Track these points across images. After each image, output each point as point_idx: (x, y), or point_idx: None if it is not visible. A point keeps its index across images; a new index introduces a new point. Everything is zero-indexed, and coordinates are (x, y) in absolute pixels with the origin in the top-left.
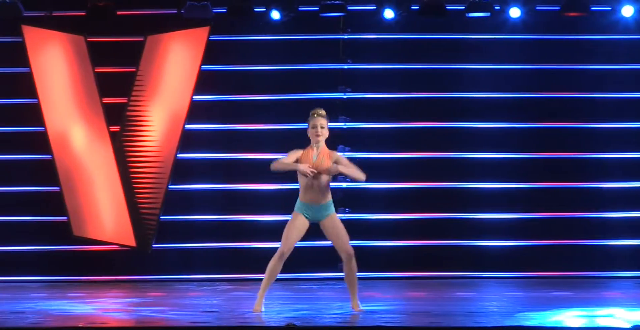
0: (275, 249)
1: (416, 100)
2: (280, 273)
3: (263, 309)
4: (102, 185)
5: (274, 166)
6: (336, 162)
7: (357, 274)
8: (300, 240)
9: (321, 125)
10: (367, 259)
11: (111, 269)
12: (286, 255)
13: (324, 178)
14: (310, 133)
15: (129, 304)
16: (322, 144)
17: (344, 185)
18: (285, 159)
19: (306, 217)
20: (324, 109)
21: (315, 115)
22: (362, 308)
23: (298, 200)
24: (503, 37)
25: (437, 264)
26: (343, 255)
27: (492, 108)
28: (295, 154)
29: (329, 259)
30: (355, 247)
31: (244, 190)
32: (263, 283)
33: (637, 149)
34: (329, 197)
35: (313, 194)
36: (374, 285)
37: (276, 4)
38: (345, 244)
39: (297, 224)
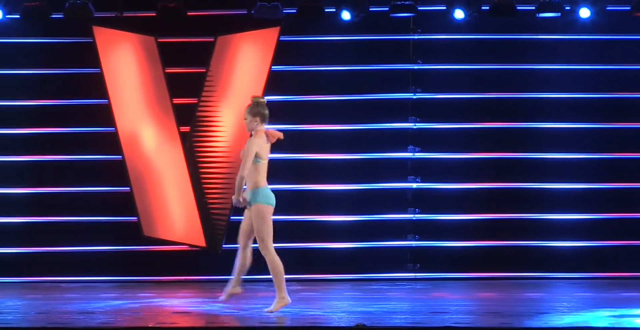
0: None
1: (486, 101)
2: (350, 273)
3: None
4: (172, 186)
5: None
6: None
7: (428, 274)
8: (370, 241)
9: (244, 117)
10: (436, 260)
11: (181, 269)
12: None
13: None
14: (253, 122)
15: (199, 304)
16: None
17: (414, 185)
18: (249, 166)
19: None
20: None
21: (261, 103)
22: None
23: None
24: (573, 38)
25: (507, 264)
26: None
27: (563, 108)
28: (258, 148)
29: (398, 259)
30: (425, 248)
31: (313, 190)
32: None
33: None
34: (251, 186)
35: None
36: (444, 285)
37: (347, 4)
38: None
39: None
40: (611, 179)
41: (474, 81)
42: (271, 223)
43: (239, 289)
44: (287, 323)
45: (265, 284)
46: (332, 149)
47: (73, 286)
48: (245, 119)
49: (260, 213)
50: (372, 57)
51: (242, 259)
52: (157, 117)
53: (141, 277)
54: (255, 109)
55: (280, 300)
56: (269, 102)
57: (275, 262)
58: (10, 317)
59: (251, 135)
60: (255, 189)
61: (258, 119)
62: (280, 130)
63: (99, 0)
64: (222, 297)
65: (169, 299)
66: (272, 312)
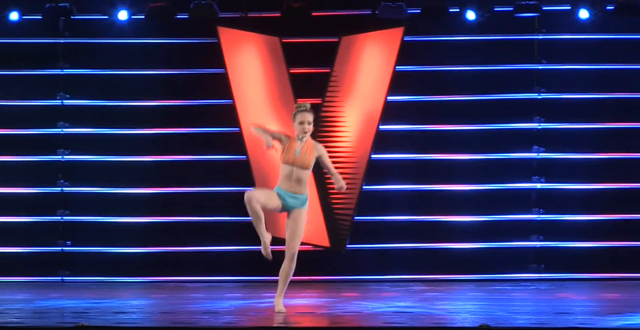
0: (472, 249)
1: (611, 101)
2: (474, 274)
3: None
4: None
5: (255, 127)
6: (320, 155)
7: (552, 274)
8: (495, 241)
9: (308, 121)
10: (561, 260)
11: (305, 269)
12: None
13: (305, 172)
14: (297, 128)
15: (323, 304)
16: (307, 139)
17: (538, 185)
18: (273, 131)
19: (282, 201)
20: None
21: (303, 109)
22: (283, 310)
23: (277, 187)
24: None
25: (632, 264)
26: (287, 253)
27: None
28: (281, 136)
29: (523, 259)
30: (549, 248)
31: (437, 190)
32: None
33: None
34: (305, 191)
35: (291, 183)
36: (569, 286)
37: (471, 4)
38: (296, 244)
39: (275, 195)
40: None
41: (598, 81)
42: (272, 196)
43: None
44: (410, 323)
45: (389, 284)
46: (455, 149)
47: (198, 286)
48: (310, 123)
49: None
50: (496, 57)
51: (283, 266)
52: (282, 117)
53: (265, 277)
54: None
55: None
56: (391, 102)
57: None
58: (135, 316)
59: (300, 141)
60: (306, 193)
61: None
62: (404, 131)
63: (223, 0)
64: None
65: (293, 299)
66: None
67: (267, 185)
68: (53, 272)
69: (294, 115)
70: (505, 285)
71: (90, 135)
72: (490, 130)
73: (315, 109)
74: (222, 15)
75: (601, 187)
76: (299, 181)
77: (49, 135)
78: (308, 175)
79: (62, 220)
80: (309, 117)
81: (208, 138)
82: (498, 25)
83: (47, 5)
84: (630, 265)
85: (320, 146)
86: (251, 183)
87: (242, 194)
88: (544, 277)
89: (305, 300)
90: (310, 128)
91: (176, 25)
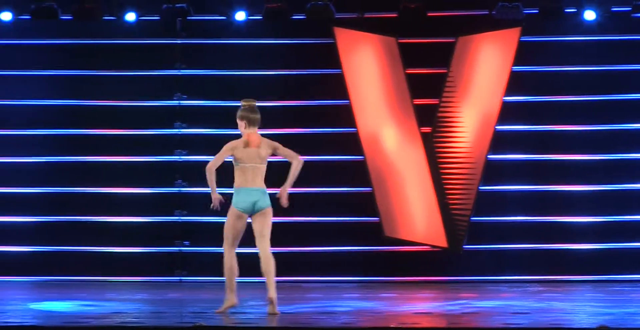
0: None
1: None
2: (592, 274)
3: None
4: (414, 186)
5: (208, 170)
6: (274, 148)
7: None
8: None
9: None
10: None
11: (422, 269)
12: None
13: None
14: (240, 126)
15: (441, 305)
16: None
17: None
18: (216, 161)
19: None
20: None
21: (246, 106)
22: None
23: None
24: None
25: None
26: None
27: None
28: (229, 149)
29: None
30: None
31: (554, 191)
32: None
33: None
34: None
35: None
36: None
37: (589, 4)
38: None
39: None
40: None
41: None
42: (236, 224)
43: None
44: (528, 324)
45: (506, 284)
46: (572, 150)
47: (315, 286)
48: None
49: (229, 212)
50: (614, 57)
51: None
52: (398, 118)
53: (383, 278)
54: (240, 113)
55: (227, 301)
56: (508, 102)
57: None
58: (252, 317)
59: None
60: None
61: (243, 122)
62: (520, 131)
63: (339, 1)
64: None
65: (410, 299)
66: (220, 312)
67: (382, 184)
68: (171, 272)
69: (238, 113)
70: (623, 286)
71: (207, 136)
72: (607, 131)
73: (432, 109)
74: (338, 15)
75: None
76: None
77: (166, 136)
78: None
79: (179, 220)
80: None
81: (324, 138)
82: (616, 25)
83: (164, 6)
84: None
85: (229, 144)
86: (368, 183)
87: (361, 194)
88: None
89: (423, 301)
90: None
91: (293, 25)
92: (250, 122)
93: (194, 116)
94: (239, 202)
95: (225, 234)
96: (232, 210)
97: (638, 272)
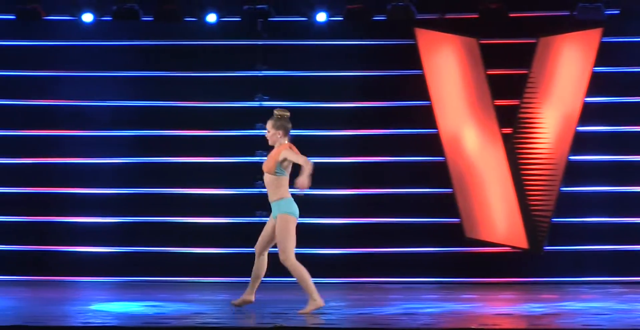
0: None
1: None
2: None
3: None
4: (494, 187)
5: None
6: (286, 158)
7: None
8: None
9: (267, 130)
10: None
11: (503, 270)
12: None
13: (267, 177)
14: (274, 134)
15: (521, 306)
16: (277, 145)
17: None
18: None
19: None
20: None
21: (285, 116)
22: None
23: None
24: None
25: None
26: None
27: None
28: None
29: None
30: None
31: (636, 192)
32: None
33: None
34: (276, 197)
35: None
36: None
37: None
38: (280, 253)
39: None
40: None
41: None
42: (294, 233)
43: (252, 297)
44: (609, 325)
45: (587, 286)
46: None
47: (395, 287)
48: (268, 131)
49: (285, 223)
50: None
51: (257, 268)
52: (479, 119)
53: (463, 279)
54: (278, 123)
55: (312, 302)
56: (589, 103)
57: (297, 270)
58: (333, 317)
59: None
60: (280, 200)
61: (281, 132)
62: (602, 132)
63: (420, 2)
64: (235, 302)
65: (491, 300)
66: (304, 313)
67: (463, 185)
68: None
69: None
70: None
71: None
72: None
73: (513, 110)
74: (419, 16)
75: None
76: (267, 187)
77: (248, 137)
78: (273, 181)
79: (261, 221)
80: (267, 124)
81: (406, 139)
82: None
83: (245, 7)
84: None
85: (284, 150)
86: (448, 184)
87: (442, 195)
88: None
89: (503, 302)
90: (267, 136)
91: (373, 26)
92: (287, 132)
93: None
94: (295, 210)
95: (290, 244)
96: (292, 219)
97: None
